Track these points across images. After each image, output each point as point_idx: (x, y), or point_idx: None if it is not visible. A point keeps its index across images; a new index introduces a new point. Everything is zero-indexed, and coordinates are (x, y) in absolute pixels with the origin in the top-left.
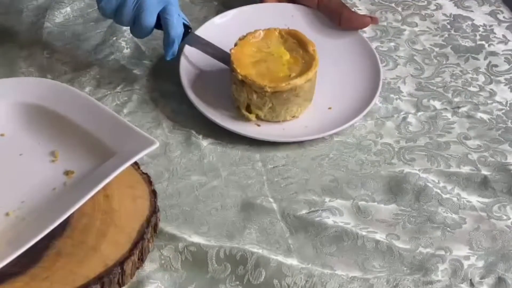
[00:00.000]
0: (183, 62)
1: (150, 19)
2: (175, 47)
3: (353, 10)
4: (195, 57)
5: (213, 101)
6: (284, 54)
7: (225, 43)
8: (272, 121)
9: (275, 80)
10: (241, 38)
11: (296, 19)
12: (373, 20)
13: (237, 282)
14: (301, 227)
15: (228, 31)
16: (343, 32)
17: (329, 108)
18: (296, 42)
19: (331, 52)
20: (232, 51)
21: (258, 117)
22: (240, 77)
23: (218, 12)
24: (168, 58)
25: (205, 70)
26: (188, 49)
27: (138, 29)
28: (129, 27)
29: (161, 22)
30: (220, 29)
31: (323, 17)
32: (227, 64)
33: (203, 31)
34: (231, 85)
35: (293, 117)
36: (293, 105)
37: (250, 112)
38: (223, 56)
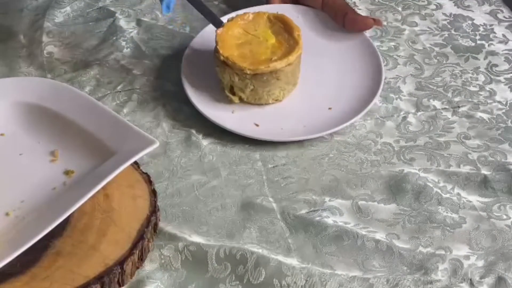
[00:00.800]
0: (184, 62)
1: None
2: (169, 2)
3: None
4: (196, 57)
5: (213, 102)
6: (270, 38)
7: None
8: (255, 103)
9: (256, 63)
10: (230, 20)
11: (302, 20)
12: (376, 22)
13: (237, 282)
14: (301, 226)
15: None
16: (348, 33)
17: (329, 108)
18: (282, 26)
19: (336, 52)
20: (218, 32)
21: (241, 99)
22: (222, 58)
23: (220, 12)
24: (164, 12)
25: (206, 70)
26: (190, 49)
27: None
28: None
29: None
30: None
31: (328, 18)
32: (217, 27)
33: (207, 31)
34: (215, 67)
35: (276, 100)
36: (275, 87)
37: (233, 94)
38: (214, 21)
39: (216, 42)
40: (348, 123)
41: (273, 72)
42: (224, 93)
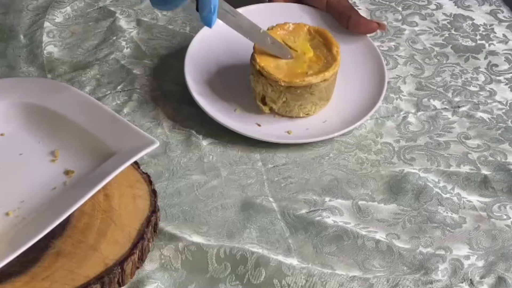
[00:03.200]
0: (187, 61)
1: None
2: (216, 14)
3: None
4: (200, 56)
5: (215, 100)
6: (308, 51)
7: (233, 39)
8: (286, 116)
9: (291, 75)
10: (270, 29)
11: (304, 20)
12: (380, 26)
13: (237, 282)
14: (301, 226)
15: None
16: (351, 36)
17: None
18: (322, 41)
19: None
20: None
21: (271, 110)
22: (257, 67)
23: None
24: (212, 26)
25: (209, 70)
26: (192, 48)
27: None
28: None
29: None
30: (227, 26)
31: (331, 19)
32: (254, 41)
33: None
34: (249, 75)
35: (307, 114)
36: (307, 102)
37: (264, 104)
38: (251, 32)
39: (254, 50)
40: (351, 127)
41: (307, 87)
42: (228, 92)
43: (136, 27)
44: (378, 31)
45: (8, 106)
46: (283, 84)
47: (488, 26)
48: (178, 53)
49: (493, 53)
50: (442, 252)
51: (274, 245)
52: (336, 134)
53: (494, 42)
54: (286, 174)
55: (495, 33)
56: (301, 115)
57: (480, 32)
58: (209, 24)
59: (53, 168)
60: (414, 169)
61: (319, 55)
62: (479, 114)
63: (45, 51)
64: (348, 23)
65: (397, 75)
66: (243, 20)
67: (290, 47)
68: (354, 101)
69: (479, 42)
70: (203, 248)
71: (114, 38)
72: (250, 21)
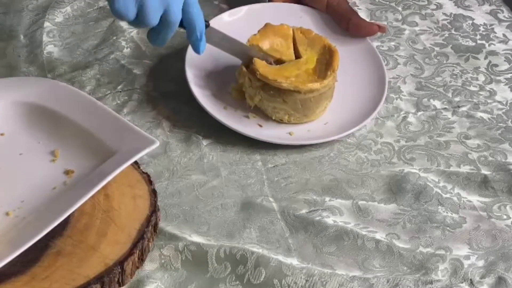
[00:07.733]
0: (187, 61)
1: (178, 13)
2: (204, 41)
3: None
4: (200, 56)
5: (217, 101)
6: (311, 63)
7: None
8: (264, 112)
9: (271, 73)
10: (291, 27)
11: (304, 20)
12: (380, 28)
13: (237, 282)
14: (301, 226)
15: (236, 29)
16: (350, 38)
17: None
18: (327, 59)
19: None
20: (257, 36)
21: (241, 97)
22: (249, 43)
23: (219, 11)
24: (201, 53)
25: (209, 70)
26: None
27: (165, 26)
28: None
29: (182, 18)
30: (228, 26)
31: (331, 20)
32: (243, 59)
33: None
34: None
35: (281, 120)
36: (280, 108)
37: (241, 96)
38: (240, 50)
39: (259, 31)
40: (352, 130)
41: (280, 91)
42: (229, 92)
43: None
44: (378, 32)
45: (8, 106)
46: (258, 76)
47: (488, 26)
48: (178, 53)
49: (493, 53)
50: (442, 252)
51: (274, 245)
52: (337, 136)
53: (494, 42)
54: (286, 174)
55: (495, 33)
56: (273, 118)
57: (480, 32)
58: (197, 50)
59: (53, 168)
60: (414, 169)
61: (316, 70)
62: (479, 114)
63: (45, 51)
64: (348, 26)
65: (397, 75)
66: (235, 43)
67: (298, 51)
68: (355, 103)
69: (479, 42)
70: (203, 248)
71: (114, 38)
72: (240, 43)
